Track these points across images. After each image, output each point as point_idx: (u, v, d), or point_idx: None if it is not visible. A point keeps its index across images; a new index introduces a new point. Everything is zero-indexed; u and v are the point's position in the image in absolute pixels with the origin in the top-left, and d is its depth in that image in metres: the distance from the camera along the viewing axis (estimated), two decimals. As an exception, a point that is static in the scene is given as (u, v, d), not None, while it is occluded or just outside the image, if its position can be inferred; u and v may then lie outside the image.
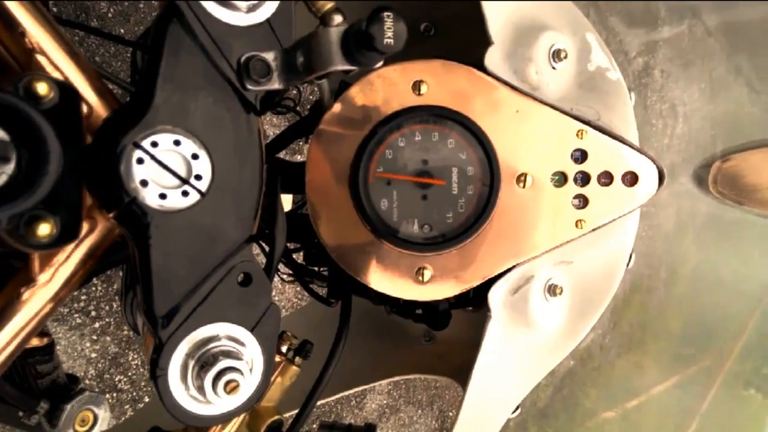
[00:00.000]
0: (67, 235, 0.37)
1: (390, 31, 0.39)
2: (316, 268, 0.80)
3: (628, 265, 0.67)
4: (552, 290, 0.63)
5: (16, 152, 0.32)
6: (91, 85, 0.47)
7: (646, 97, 5.90)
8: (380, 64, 0.46)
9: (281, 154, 0.83)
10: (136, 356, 1.92)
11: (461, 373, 0.74)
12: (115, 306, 1.85)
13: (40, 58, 0.45)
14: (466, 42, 0.75)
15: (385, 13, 0.39)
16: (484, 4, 0.61)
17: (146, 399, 1.91)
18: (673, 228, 6.98)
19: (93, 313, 1.83)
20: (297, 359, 0.63)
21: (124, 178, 0.41)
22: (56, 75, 0.45)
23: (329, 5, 0.59)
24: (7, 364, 0.50)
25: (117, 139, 0.41)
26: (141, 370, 1.92)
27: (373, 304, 0.75)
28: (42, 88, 0.34)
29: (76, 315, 1.76)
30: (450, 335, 0.87)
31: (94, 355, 1.84)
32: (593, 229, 0.59)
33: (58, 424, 0.71)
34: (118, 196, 0.42)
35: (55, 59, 0.45)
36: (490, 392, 0.64)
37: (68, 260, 0.48)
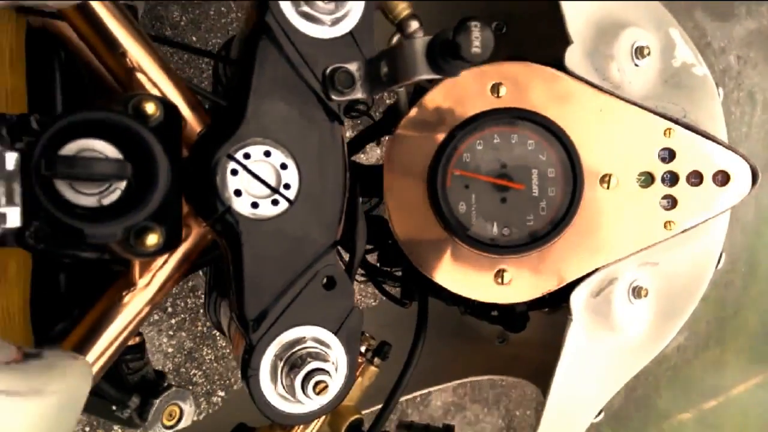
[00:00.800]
0: (170, 243, 0.39)
1: (477, 40, 0.39)
2: (389, 269, 0.81)
3: (717, 266, 0.64)
4: (637, 292, 0.61)
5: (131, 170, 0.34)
6: (185, 100, 0.49)
7: (723, 84, 5.57)
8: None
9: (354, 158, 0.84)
10: (209, 351, 2.01)
11: (537, 375, 0.73)
12: (189, 302, 1.94)
13: (140, 76, 0.48)
14: (539, 40, 0.74)
15: (473, 23, 0.39)
16: (563, 3, 0.60)
17: (220, 392, 2.00)
18: (752, 220, 6.56)
19: (170, 310, 1.92)
20: (376, 360, 0.64)
21: (219, 189, 0.44)
22: (155, 92, 0.47)
23: (406, 12, 0.60)
24: (110, 363, 0.53)
25: (212, 152, 0.43)
26: (214, 364, 2.01)
27: (446, 305, 0.75)
28: (150, 107, 0.37)
29: (154, 311, 1.87)
30: (524, 336, 0.86)
31: (170, 349, 1.94)
32: (683, 231, 0.57)
33: (147, 417, 0.76)
34: (214, 205, 0.44)
35: (154, 77, 0.48)
36: (572, 396, 0.63)
37: (165, 265, 0.51)
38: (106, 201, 0.34)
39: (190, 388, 1.96)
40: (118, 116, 0.34)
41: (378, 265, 0.79)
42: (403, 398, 0.88)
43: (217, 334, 1.96)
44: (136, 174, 0.37)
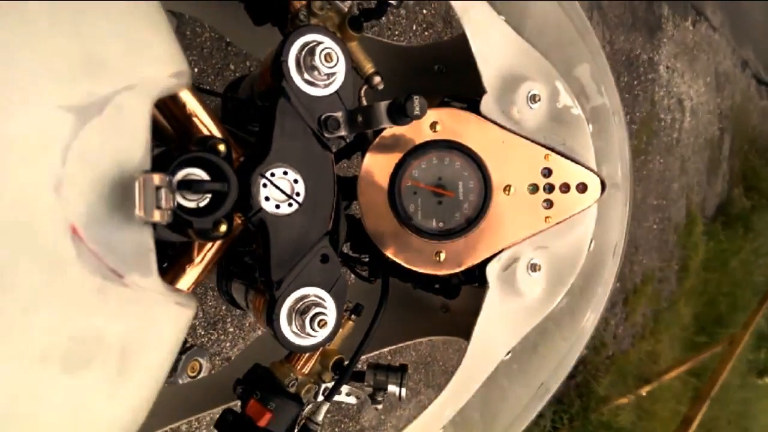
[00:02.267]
0: (228, 231, 0.63)
1: (417, 106, 0.65)
2: (358, 256, 1.06)
3: (589, 249, 0.92)
4: (533, 268, 0.88)
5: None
6: (224, 136, 0.73)
7: (653, 92, 6.05)
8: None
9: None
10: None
11: (469, 334, 1.00)
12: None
13: (195, 120, 0.71)
14: (469, 81, 1.01)
15: (414, 96, 0.65)
16: (478, 60, 0.86)
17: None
18: (682, 221, 7.09)
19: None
20: (352, 317, 0.89)
21: (254, 196, 0.68)
22: (206, 131, 0.71)
23: (371, 71, 0.86)
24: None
25: (250, 172, 0.68)
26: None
27: (401, 281, 1.00)
28: (221, 146, 0.61)
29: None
30: (462, 306, 1.12)
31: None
32: (557, 223, 0.85)
33: (177, 369, 0.98)
34: (250, 206, 0.68)
35: (204, 120, 0.72)
36: (487, 342, 0.89)
37: (212, 247, 0.74)
38: (202, 204, 0.58)
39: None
40: (210, 155, 0.58)
41: (350, 252, 1.04)
42: (375, 353, 1.13)
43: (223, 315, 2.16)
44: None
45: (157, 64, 0.47)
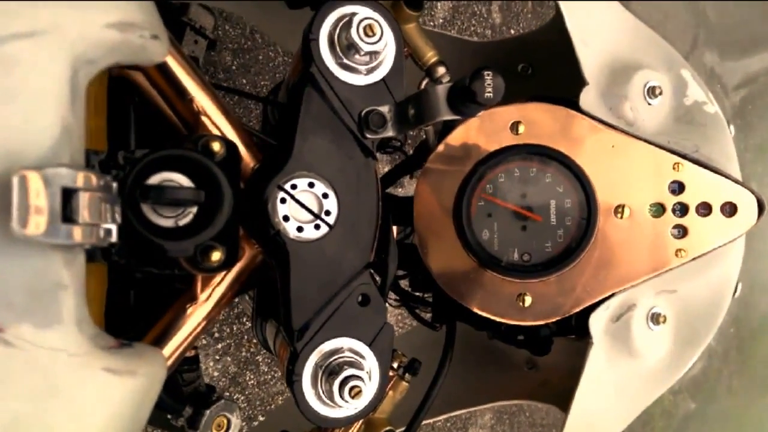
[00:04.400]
0: (229, 261, 0.46)
1: (490, 87, 0.45)
2: (420, 294, 0.86)
3: (734, 294, 0.66)
4: (655, 319, 0.64)
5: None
6: (241, 140, 0.57)
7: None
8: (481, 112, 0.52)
9: (389, 190, 0.91)
10: (252, 376, 2.08)
11: (564, 401, 0.76)
12: (235, 329, 2.03)
13: (204, 119, 0.56)
14: (562, 80, 0.80)
15: (485, 72, 0.46)
16: (577, 47, 0.66)
17: (260, 417, 2.06)
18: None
19: (216, 335, 2.01)
20: (407, 376, 0.69)
21: (270, 215, 0.51)
22: (217, 132, 0.56)
23: (434, 59, 0.67)
24: (172, 370, 0.60)
25: (265, 184, 0.51)
26: (256, 389, 2.08)
27: (475, 329, 0.79)
28: (216, 146, 0.44)
29: (201, 336, 1.96)
30: (553, 363, 0.89)
31: (216, 373, 2.02)
32: (693, 259, 0.61)
33: (199, 427, 0.82)
34: (266, 229, 0.51)
35: (216, 120, 0.56)
36: (591, 418, 0.66)
37: (222, 282, 0.58)
38: (181, 222, 0.42)
39: (234, 410, 2.02)
40: (192, 153, 0.42)
41: (410, 290, 0.85)
42: (441, 418, 0.92)
43: (260, 359, 2.03)
44: (205, 200, 0.44)
45: (91, 8, 0.32)
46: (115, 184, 0.35)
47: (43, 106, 0.29)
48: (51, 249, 0.29)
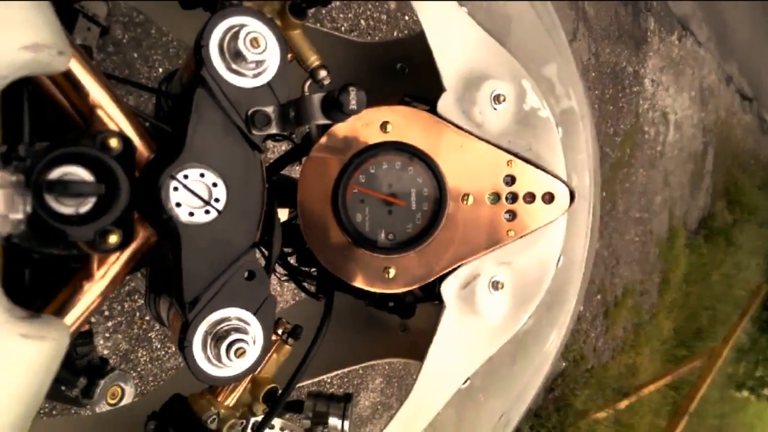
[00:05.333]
0: (125, 242, 0.53)
1: (354, 100, 0.55)
2: (307, 269, 0.96)
3: (558, 264, 0.83)
4: (495, 285, 0.79)
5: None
6: (135, 131, 0.63)
7: (638, 105, 6.06)
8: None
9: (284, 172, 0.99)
10: (144, 353, 2.08)
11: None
12: (126, 306, 2.01)
13: (99, 112, 0.61)
14: (430, 79, 0.92)
15: (350, 87, 0.55)
16: (436, 56, 0.77)
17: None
18: (665, 234, 7.09)
19: (106, 313, 1.99)
20: (290, 340, 0.79)
21: (164, 202, 0.58)
22: (112, 125, 0.61)
23: (316, 63, 0.76)
24: (71, 340, 0.65)
25: (159, 173, 0.57)
26: (149, 365, 2.09)
27: (354, 298, 0.90)
28: (113, 141, 0.50)
29: (95, 312, 1.93)
30: (421, 326, 1.03)
31: (106, 351, 2.00)
32: (520, 236, 0.75)
33: (93, 396, 0.87)
34: (160, 214, 0.58)
35: (111, 113, 0.61)
36: (443, 367, 0.80)
37: (117, 261, 0.64)
38: (82, 210, 0.48)
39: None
40: (92, 150, 0.48)
41: (297, 265, 0.94)
42: (326, 376, 1.02)
43: (153, 335, 2.03)
44: (105, 191, 0.51)
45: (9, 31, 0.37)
46: (22, 178, 0.41)
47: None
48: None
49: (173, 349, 2.10)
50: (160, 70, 2.06)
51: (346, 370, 1.03)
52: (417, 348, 1.01)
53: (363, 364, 1.02)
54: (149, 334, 2.05)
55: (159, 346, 2.08)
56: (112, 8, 1.77)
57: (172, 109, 0.81)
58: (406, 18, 2.84)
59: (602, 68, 5.13)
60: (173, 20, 1.07)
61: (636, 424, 5.78)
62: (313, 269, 0.94)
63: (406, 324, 1.04)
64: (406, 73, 1.02)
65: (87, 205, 0.49)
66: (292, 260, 0.98)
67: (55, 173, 0.47)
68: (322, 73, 0.76)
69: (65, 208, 0.47)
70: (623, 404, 5.59)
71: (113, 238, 0.51)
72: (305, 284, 0.99)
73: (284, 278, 1.01)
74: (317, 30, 0.94)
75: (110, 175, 0.49)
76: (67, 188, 0.45)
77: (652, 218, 6.61)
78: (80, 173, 0.48)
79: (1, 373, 0.37)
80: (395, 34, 2.85)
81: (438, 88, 0.77)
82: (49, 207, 0.46)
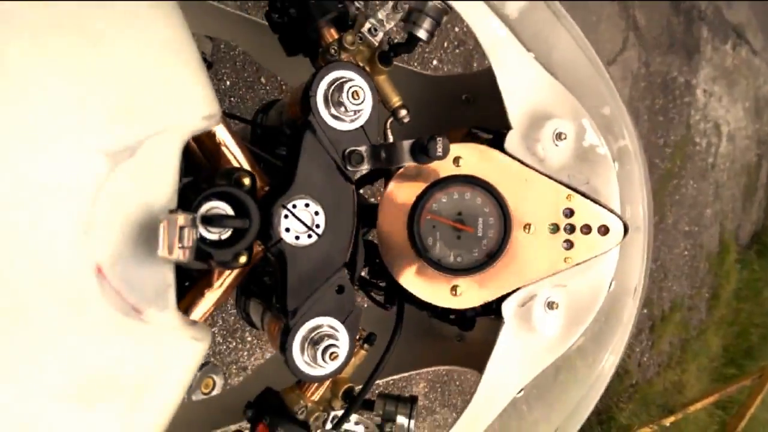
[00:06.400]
0: (247, 261, 0.65)
1: (440, 147, 0.65)
2: (375, 281, 1.07)
3: (609, 288, 0.91)
4: (550, 305, 0.87)
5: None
6: (252, 167, 0.75)
7: (689, 116, 5.94)
8: (433, 160, 0.72)
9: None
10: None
11: (483, 366, 0.99)
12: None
13: (224, 150, 0.73)
14: (496, 111, 1.01)
15: (438, 138, 0.66)
16: (505, 97, 0.86)
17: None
18: (715, 249, 6.90)
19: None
20: (365, 346, 0.89)
21: (275, 228, 0.69)
22: (234, 161, 0.73)
23: (398, 104, 0.86)
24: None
25: (272, 204, 0.69)
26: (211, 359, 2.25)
27: (418, 310, 1.00)
28: (246, 180, 0.62)
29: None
30: (477, 337, 1.12)
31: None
32: (576, 264, 0.84)
33: (191, 385, 0.99)
34: (271, 237, 0.69)
35: (233, 150, 0.73)
36: (500, 378, 0.89)
37: (231, 274, 0.76)
38: (224, 237, 0.60)
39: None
40: (235, 190, 0.59)
41: (368, 277, 1.05)
42: (389, 378, 1.13)
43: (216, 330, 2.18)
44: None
45: (189, 108, 0.49)
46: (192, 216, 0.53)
47: (167, 173, 0.46)
48: (168, 264, 0.47)
49: (233, 344, 2.25)
50: (228, 83, 2.22)
51: (407, 374, 1.13)
52: (472, 357, 1.11)
53: (423, 369, 1.12)
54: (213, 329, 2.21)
55: (221, 341, 2.23)
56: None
57: (275, 141, 0.93)
58: (456, 29, 2.93)
59: (652, 78, 5.06)
60: (275, 63, 1.19)
61: (681, 440, 5.65)
62: (382, 282, 1.05)
63: (463, 335, 1.14)
64: (471, 102, 1.11)
65: (227, 233, 0.61)
66: (362, 273, 1.09)
67: (204, 208, 0.59)
68: (403, 113, 0.86)
69: (211, 235, 0.59)
70: (668, 421, 5.48)
71: (243, 259, 0.62)
72: (373, 294, 1.09)
73: (355, 288, 1.12)
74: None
75: (244, 208, 0.61)
76: (222, 221, 0.57)
77: (702, 232, 6.45)
78: (223, 207, 0.60)
79: (177, 371, 0.49)
80: (445, 45, 2.95)
81: (500, 118, 0.86)
82: (202, 235, 0.58)
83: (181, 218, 0.46)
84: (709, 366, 6.78)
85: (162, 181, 0.46)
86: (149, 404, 0.47)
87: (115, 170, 0.43)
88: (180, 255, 0.46)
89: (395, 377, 1.11)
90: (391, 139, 0.86)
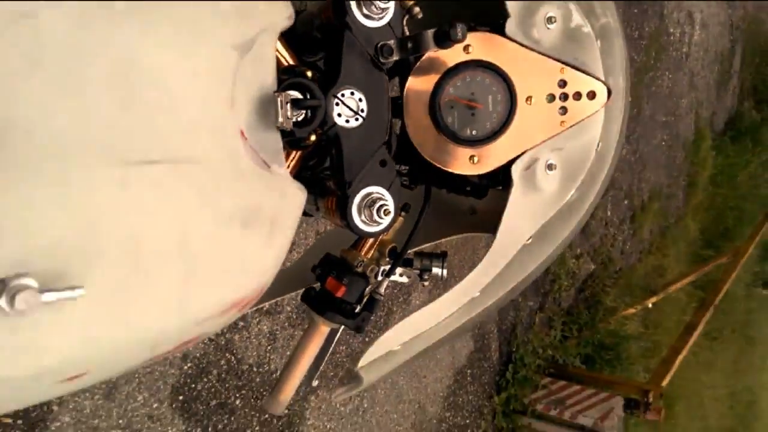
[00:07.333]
0: (314, 141, 0.81)
1: (460, 31, 0.81)
2: (399, 167, 1.24)
3: (597, 149, 1.09)
4: (550, 167, 1.05)
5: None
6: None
7: (663, 6, 5.97)
8: (451, 45, 0.87)
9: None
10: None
11: (494, 229, 1.18)
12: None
13: (277, 54, 0.87)
14: (488, 7, 1.14)
15: (458, 23, 0.81)
16: None
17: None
18: (690, 137, 7.14)
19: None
20: (402, 213, 1.08)
21: (329, 113, 0.85)
22: (285, 63, 0.87)
23: (410, 2, 1.00)
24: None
25: (326, 94, 0.84)
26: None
27: (437, 188, 1.19)
28: (309, 72, 0.77)
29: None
30: (487, 209, 1.31)
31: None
32: (570, 126, 1.02)
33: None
34: (326, 122, 0.85)
35: (284, 54, 0.88)
36: (513, 228, 1.08)
37: (295, 157, 0.93)
38: (299, 118, 0.76)
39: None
40: (303, 79, 0.75)
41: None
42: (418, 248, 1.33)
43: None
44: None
45: (278, 10, 0.63)
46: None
47: (271, 61, 0.62)
48: (277, 130, 0.63)
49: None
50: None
51: (435, 242, 1.33)
52: (484, 225, 1.30)
53: (447, 238, 1.32)
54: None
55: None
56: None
57: (305, 47, 1.07)
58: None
59: (626, -30, 5.06)
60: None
61: (663, 320, 6.10)
62: (404, 167, 1.22)
63: (475, 208, 1.33)
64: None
65: (300, 116, 0.77)
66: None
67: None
68: (416, 10, 1.00)
69: (293, 117, 0.76)
70: (651, 301, 5.88)
71: (313, 137, 0.79)
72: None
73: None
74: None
75: (313, 94, 0.77)
76: (299, 103, 0.73)
77: (678, 122, 6.65)
78: (295, 94, 0.76)
79: (294, 210, 0.66)
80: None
81: (492, 13, 1.00)
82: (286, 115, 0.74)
83: (284, 96, 0.61)
84: (688, 249, 7.19)
85: (268, 68, 0.61)
86: (279, 234, 0.64)
87: (242, 60, 0.58)
88: (287, 124, 0.62)
89: (423, 246, 1.31)
90: (408, 33, 1.00)
